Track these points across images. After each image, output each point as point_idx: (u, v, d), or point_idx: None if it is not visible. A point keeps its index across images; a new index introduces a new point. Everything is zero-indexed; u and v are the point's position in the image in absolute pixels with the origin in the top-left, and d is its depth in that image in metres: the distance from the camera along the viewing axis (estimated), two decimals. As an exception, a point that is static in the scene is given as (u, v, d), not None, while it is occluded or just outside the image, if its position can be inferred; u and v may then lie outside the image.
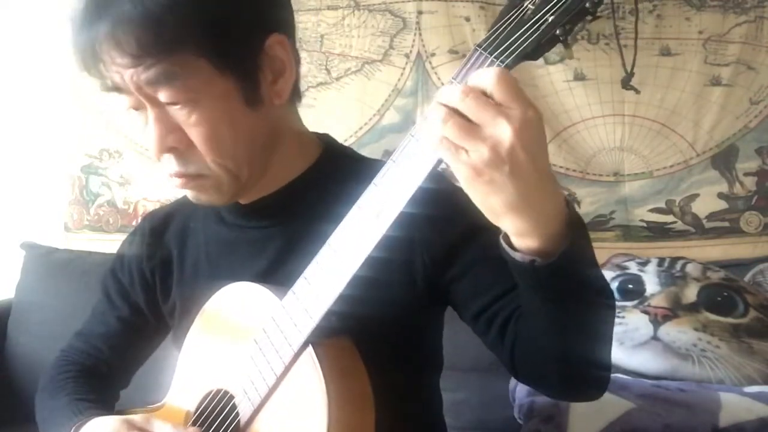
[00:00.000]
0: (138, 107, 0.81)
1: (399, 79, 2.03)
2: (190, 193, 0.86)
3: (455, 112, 0.58)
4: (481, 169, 0.58)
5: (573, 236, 0.64)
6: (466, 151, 0.58)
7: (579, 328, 0.71)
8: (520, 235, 0.64)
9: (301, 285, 0.74)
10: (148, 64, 0.75)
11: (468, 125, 0.58)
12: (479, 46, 0.62)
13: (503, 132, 0.57)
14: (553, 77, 1.94)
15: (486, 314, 0.82)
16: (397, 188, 0.66)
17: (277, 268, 0.89)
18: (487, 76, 0.59)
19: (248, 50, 0.81)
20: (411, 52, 2.02)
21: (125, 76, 0.77)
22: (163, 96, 0.77)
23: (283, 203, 0.90)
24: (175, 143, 0.80)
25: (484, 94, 0.59)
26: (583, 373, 0.75)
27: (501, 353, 0.82)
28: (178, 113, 0.79)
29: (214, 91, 0.79)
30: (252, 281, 0.88)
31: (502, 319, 0.80)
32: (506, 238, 0.66)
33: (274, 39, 0.82)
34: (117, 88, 0.79)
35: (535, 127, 0.59)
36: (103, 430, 0.84)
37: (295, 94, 0.89)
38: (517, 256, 0.66)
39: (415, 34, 2.02)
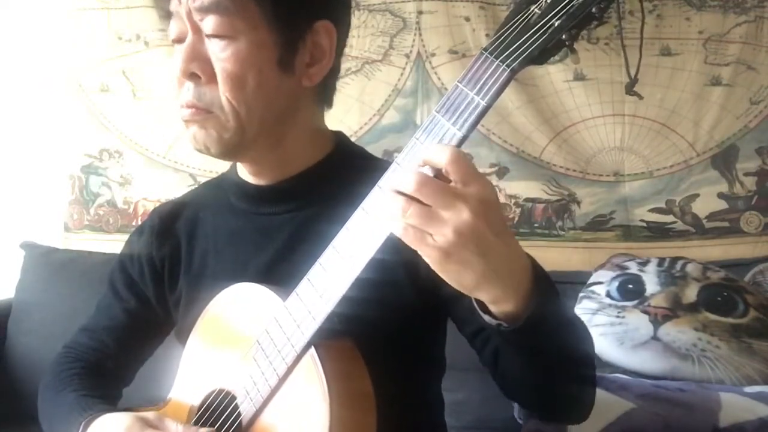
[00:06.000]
0: (181, 38, 0.85)
1: (399, 79, 2.03)
2: (192, 130, 0.87)
3: (414, 200, 0.60)
4: (448, 251, 0.60)
5: (538, 294, 0.67)
6: (431, 236, 0.60)
7: (552, 371, 0.75)
8: (494, 302, 0.67)
9: (304, 286, 0.75)
10: None
11: (428, 211, 0.60)
12: (485, 50, 0.63)
13: (462, 213, 0.59)
14: (553, 77, 1.94)
15: (482, 335, 0.84)
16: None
17: (284, 258, 0.90)
18: (441, 156, 0.60)
19: (298, 18, 0.85)
20: (411, 52, 2.02)
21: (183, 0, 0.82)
22: (208, 25, 0.82)
23: (293, 190, 0.92)
24: (199, 71, 0.84)
25: (440, 171, 0.61)
26: (563, 406, 0.82)
27: (493, 374, 0.85)
28: (215, 45, 0.83)
29: (255, 37, 0.83)
30: (258, 272, 0.90)
31: (494, 344, 0.82)
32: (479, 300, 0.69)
33: (323, 24, 0.86)
34: (169, 15, 0.85)
35: (492, 201, 0.61)
36: (116, 427, 0.84)
37: (326, 99, 0.94)
38: (486, 318, 0.69)
39: (415, 34, 2.02)
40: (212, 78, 0.83)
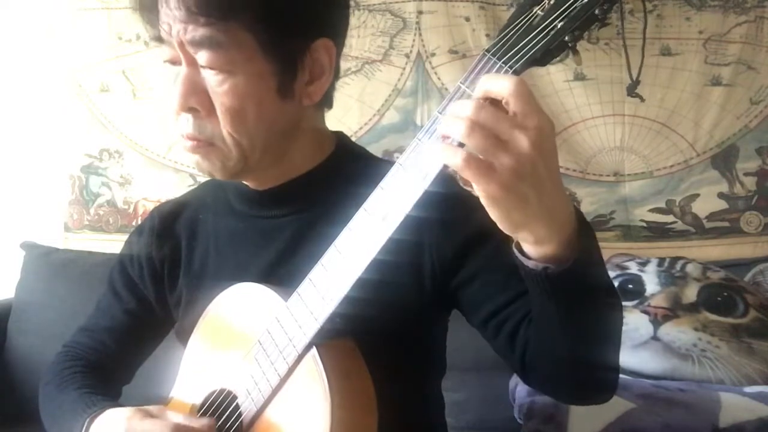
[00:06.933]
0: (175, 62, 0.83)
1: (399, 79, 2.03)
2: (196, 158, 0.86)
3: (476, 125, 0.57)
4: (508, 184, 0.58)
5: (583, 237, 0.65)
6: (494, 170, 0.57)
7: (590, 331, 0.71)
8: (538, 243, 0.64)
9: (305, 286, 0.75)
10: (199, 23, 0.77)
11: (493, 137, 0.57)
12: (488, 50, 0.62)
13: (522, 144, 0.57)
14: (553, 77, 1.94)
15: (495, 319, 0.82)
16: (404, 192, 0.66)
17: (285, 260, 0.90)
18: (503, 85, 0.58)
19: (296, 43, 0.82)
20: (411, 52, 2.02)
21: (173, 30, 0.79)
22: (202, 59, 0.79)
23: (294, 193, 0.91)
24: (197, 105, 0.82)
25: (496, 101, 0.58)
26: (594, 376, 0.76)
27: (510, 358, 0.82)
28: (211, 78, 0.80)
29: (252, 69, 0.80)
30: (259, 273, 0.89)
31: (511, 325, 0.81)
32: (518, 245, 0.66)
33: (322, 43, 0.84)
34: (160, 39, 0.82)
35: (551, 135, 0.59)
36: (119, 421, 0.84)
37: (327, 101, 0.91)
38: (530, 264, 0.66)
39: (415, 34, 2.02)
40: (211, 111, 0.82)
